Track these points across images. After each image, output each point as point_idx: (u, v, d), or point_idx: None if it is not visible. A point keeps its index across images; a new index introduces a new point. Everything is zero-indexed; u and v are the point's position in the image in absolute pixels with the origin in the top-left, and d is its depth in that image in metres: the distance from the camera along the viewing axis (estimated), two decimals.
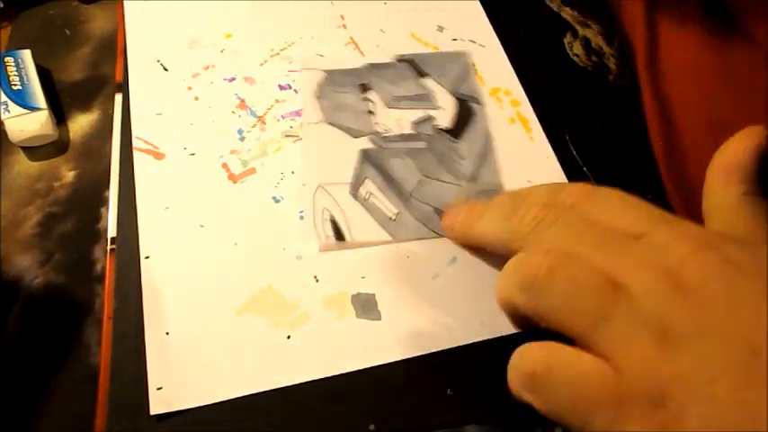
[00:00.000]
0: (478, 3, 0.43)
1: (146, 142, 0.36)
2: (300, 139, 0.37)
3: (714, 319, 0.20)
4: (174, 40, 0.41)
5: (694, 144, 0.28)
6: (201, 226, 0.33)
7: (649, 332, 0.20)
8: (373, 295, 0.31)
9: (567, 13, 0.40)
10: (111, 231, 0.34)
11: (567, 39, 0.41)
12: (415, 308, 0.30)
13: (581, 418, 0.20)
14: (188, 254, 0.32)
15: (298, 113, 0.38)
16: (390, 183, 0.34)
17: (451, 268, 0.31)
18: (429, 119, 0.37)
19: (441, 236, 0.32)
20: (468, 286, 0.31)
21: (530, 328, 0.24)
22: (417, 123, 0.37)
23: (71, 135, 0.39)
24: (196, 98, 0.39)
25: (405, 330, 0.30)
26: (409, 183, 0.34)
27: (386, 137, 0.36)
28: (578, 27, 0.40)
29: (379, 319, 0.30)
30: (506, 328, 0.26)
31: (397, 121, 0.37)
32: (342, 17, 0.43)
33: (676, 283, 0.20)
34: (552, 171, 0.35)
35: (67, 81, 0.41)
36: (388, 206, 0.33)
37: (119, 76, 0.40)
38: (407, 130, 0.36)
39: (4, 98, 0.38)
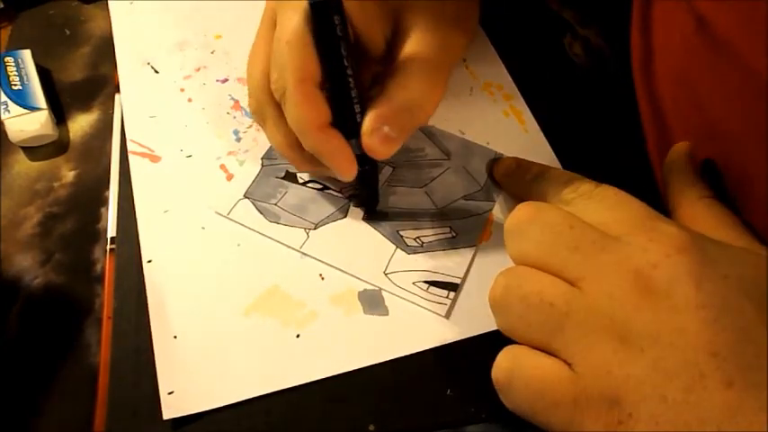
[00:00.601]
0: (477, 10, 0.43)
1: (141, 145, 0.36)
2: None
3: (676, 322, 0.20)
4: (163, 42, 0.42)
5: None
6: (203, 228, 0.33)
7: (608, 336, 0.21)
8: (380, 291, 0.31)
9: (567, 14, 0.40)
10: (111, 231, 0.34)
11: (567, 39, 0.41)
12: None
13: (542, 418, 0.22)
14: (191, 256, 0.32)
15: None
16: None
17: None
18: None
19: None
20: (473, 279, 0.31)
21: None
22: None
23: (71, 135, 0.39)
24: (189, 100, 0.39)
25: (413, 325, 0.30)
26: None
27: None
28: (578, 27, 0.40)
29: (387, 314, 0.30)
30: None
31: None
32: None
33: (643, 286, 0.21)
34: (547, 162, 0.35)
35: (67, 81, 0.41)
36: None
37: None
38: None
39: (4, 98, 0.38)
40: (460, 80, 0.39)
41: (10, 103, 0.37)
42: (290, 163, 0.34)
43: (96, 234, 0.34)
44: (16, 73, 0.39)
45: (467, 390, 0.28)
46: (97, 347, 0.30)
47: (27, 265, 0.33)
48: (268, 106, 0.31)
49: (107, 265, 0.33)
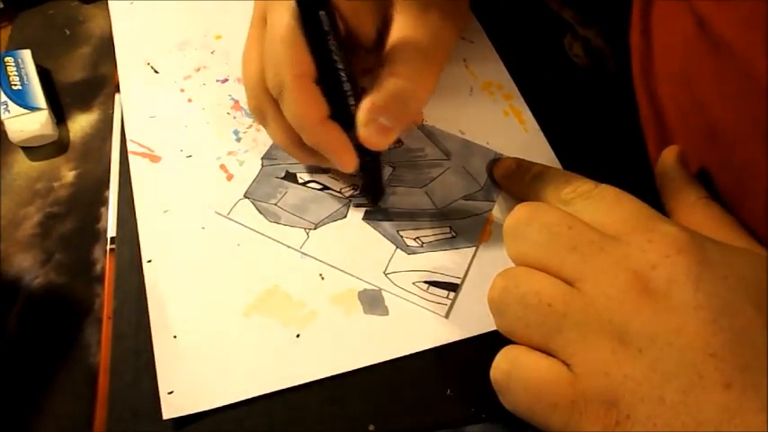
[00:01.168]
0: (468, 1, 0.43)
1: (141, 145, 0.36)
2: None
3: (674, 323, 0.20)
4: (163, 42, 0.42)
5: (688, 149, 0.29)
6: (203, 228, 0.33)
7: (606, 337, 0.21)
8: (380, 291, 0.31)
9: (567, 14, 0.40)
10: (111, 231, 0.34)
11: (567, 39, 0.41)
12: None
13: (540, 419, 0.22)
14: (191, 256, 0.32)
15: None
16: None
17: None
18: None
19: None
20: (473, 279, 0.31)
21: None
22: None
23: (71, 135, 0.39)
24: (189, 100, 0.39)
25: (413, 325, 0.30)
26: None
27: None
28: (578, 27, 0.40)
29: (387, 314, 0.30)
30: None
31: None
32: None
33: (642, 287, 0.21)
34: (547, 161, 0.35)
35: (67, 81, 0.41)
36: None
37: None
38: None
39: (4, 98, 0.38)
40: (460, 80, 0.39)
41: (10, 103, 0.37)
42: (293, 158, 0.34)
43: (96, 234, 0.34)
44: (16, 73, 0.39)
45: (467, 390, 0.28)
46: (97, 347, 0.30)
47: (27, 265, 0.33)
48: (267, 104, 0.31)
49: (107, 265, 0.33)
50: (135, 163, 0.36)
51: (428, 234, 0.33)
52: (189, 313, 0.30)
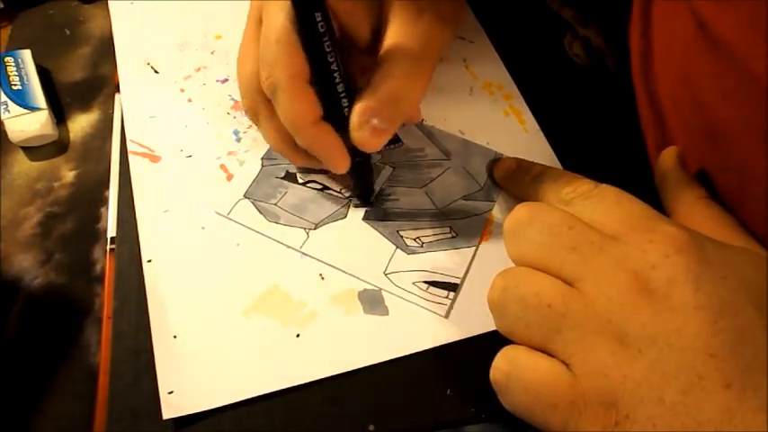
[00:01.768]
0: (464, 1, 0.43)
1: (141, 145, 0.36)
2: None
3: (674, 323, 0.20)
4: (163, 42, 0.42)
5: (688, 149, 0.29)
6: (203, 228, 0.33)
7: (606, 337, 0.21)
8: (380, 291, 0.31)
9: (567, 13, 0.40)
10: (111, 231, 0.34)
11: (567, 39, 0.41)
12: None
13: (539, 419, 0.22)
14: (190, 256, 0.32)
15: None
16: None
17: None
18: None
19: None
20: (473, 279, 0.31)
21: None
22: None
23: (71, 135, 0.39)
24: (189, 100, 0.39)
25: (413, 325, 0.30)
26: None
27: None
28: (578, 27, 0.40)
29: (387, 314, 0.30)
30: None
31: None
32: None
33: (642, 288, 0.21)
34: (547, 161, 0.35)
35: (67, 81, 0.41)
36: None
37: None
38: None
39: (4, 98, 0.38)
40: (460, 80, 0.39)
41: (10, 103, 0.37)
42: (284, 158, 0.34)
43: (96, 234, 0.34)
44: (16, 73, 0.39)
45: (467, 390, 0.28)
46: (97, 347, 0.30)
47: (27, 265, 0.33)
48: (260, 105, 0.31)
49: (107, 265, 0.33)
50: (135, 163, 0.36)
51: (428, 234, 0.33)
52: (189, 313, 0.30)
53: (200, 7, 0.44)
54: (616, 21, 0.36)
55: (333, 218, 0.33)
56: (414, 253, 0.32)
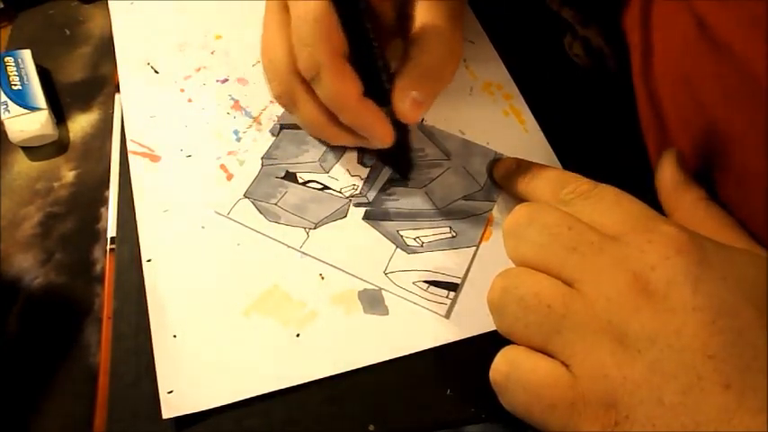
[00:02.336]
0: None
1: (141, 145, 0.36)
2: None
3: (673, 324, 0.20)
4: (163, 42, 0.42)
5: (688, 150, 0.29)
6: (203, 227, 0.33)
7: (606, 338, 0.21)
8: (380, 290, 0.31)
9: (567, 14, 0.40)
10: (111, 231, 0.34)
11: (567, 39, 0.41)
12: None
13: (539, 420, 0.22)
14: (190, 256, 0.32)
15: None
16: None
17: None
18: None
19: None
20: (473, 279, 0.31)
21: None
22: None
23: (71, 135, 0.39)
24: (189, 100, 0.39)
25: (413, 325, 0.30)
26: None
27: None
28: (578, 27, 0.40)
29: (387, 314, 0.30)
30: None
31: None
32: None
33: (641, 289, 0.21)
34: (547, 161, 0.35)
35: (67, 81, 0.41)
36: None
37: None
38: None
39: (4, 98, 0.38)
40: (460, 80, 0.39)
41: (10, 103, 0.37)
42: (324, 138, 0.34)
43: (96, 234, 0.34)
44: (16, 73, 0.39)
45: (467, 390, 0.28)
46: (97, 347, 0.30)
47: (27, 265, 0.33)
48: (297, 87, 0.31)
49: (107, 265, 0.33)
50: (135, 163, 0.36)
51: (428, 234, 0.33)
52: (189, 313, 0.30)
53: (200, 7, 0.44)
54: (616, 21, 0.36)
55: (333, 217, 0.33)
56: (414, 253, 0.32)
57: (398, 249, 0.32)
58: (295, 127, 0.37)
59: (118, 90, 0.40)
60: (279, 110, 0.38)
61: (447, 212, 0.33)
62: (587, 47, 0.39)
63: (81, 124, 0.39)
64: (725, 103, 0.26)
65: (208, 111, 0.38)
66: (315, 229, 0.33)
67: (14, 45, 0.43)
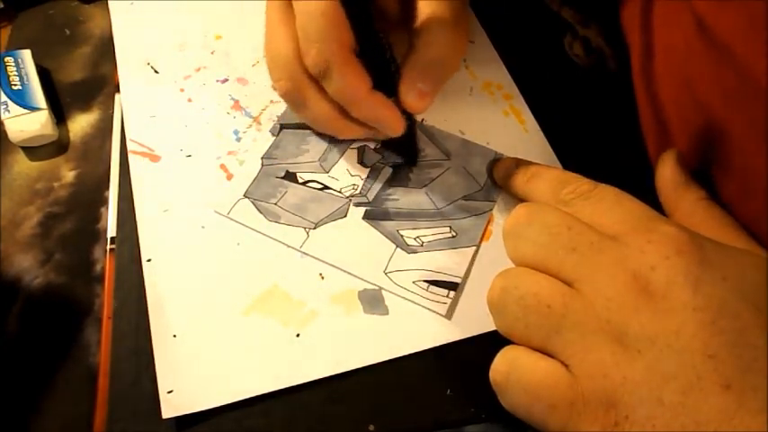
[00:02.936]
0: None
1: (141, 145, 0.36)
2: None
3: (673, 324, 0.20)
4: (163, 42, 0.42)
5: (688, 150, 0.29)
6: (203, 227, 0.33)
7: (605, 338, 0.21)
8: (380, 290, 0.31)
9: (567, 13, 0.40)
10: (111, 231, 0.34)
11: (567, 39, 0.41)
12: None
13: (538, 420, 0.22)
14: (190, 256, 0.32)
15: None
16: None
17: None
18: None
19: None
20: (474, 279, 0.31)
21: None
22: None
23: (71, 135, 0.39)
24: (189, 100, 0.39)
25: (413, 324, 0.30)
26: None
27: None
28: (578, 27, 0.40)
29: (387, 313, 0.30)
30: None
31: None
32: None
33: (641, 289, 0.21)
34: (547, 161, 0.35)
35: (67, 81, 0.41)
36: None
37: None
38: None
39: (4, 98, 0.38)
40: (460, 80, 0.39)
41: (10, 103, 0.37)
42: (332, 133, 0.34)
43: (96, 234, 0.34)
44: (16, 73, 0.39)
45: (467, 390, 0.28)
46: (97, 347, 0.30)
47: (27, 265, 0.33)
48: (306, 83, 0.31)
49: (107, 265, 0.33)
50: (135, 163, 0.36)
51: (428, 234, 0.33)
52: (189, 313, 0.30)
53: (200, 7, 0.44)
54: (616, 21, 0.36)
55: (333, 217, 0.33)
56: (414, 252, 0.32)
57: (398, 249, 0.32)
58: (295, 127, 0.37)
59: (118, 90, 0.40)
60: (279, 110, 0.38)
61: (447, 212, 0.33)
62: (587, 47, 0.39)
63: (81, 124, 0.39)
64: (725, 103, 0.26)
65: (208, 111, 0.38)
66: (315, 228, 0.33)
67: (14, 45, 0.43)
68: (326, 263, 0.32)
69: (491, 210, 0.33)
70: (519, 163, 0.32)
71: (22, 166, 0.37)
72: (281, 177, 0.35)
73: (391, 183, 0.35)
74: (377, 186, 0.34)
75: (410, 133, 0.34)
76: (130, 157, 0.36)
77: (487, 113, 0.37)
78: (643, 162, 0.33)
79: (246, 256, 0.32)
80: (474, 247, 0.32)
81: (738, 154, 0.26)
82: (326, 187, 0.34)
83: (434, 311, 0.30)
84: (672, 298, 0.21)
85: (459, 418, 0.28)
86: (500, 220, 0.33)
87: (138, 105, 0.38)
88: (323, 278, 0.31)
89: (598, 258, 0.22)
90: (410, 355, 0.29)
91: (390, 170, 0.35)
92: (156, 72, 0.40)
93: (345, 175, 0.35)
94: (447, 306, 0.30)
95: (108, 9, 0.44)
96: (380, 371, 0.29)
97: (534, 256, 0.24)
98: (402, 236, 0.32)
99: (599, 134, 0.36)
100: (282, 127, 0.37)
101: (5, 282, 0.32)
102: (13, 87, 0.38)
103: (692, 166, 0.28)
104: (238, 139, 0.37)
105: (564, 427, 0.21)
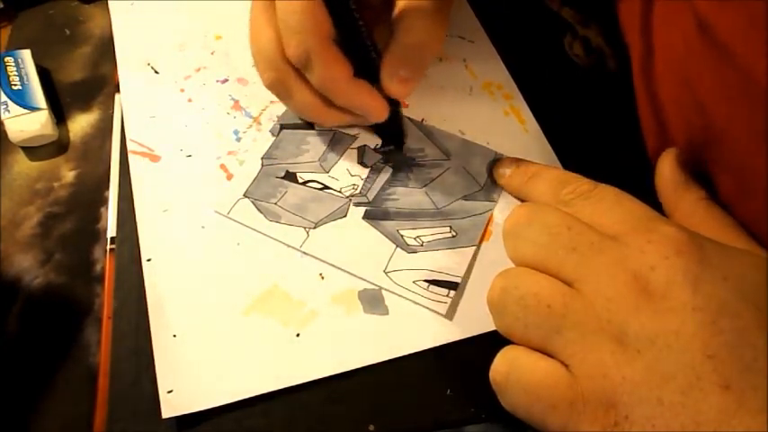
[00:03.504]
0: (465, 0, 0.43)
1: (141, 145, 0.36)
2: None
3: (672, 324, 0.20)
4: (163, 43, 0.42)
5: (688, 150, 0.29)
6: (203, 227, 0.33)
7: (605, 338, 0.21)
8: (380, 290, 0.31)
9: (567, 13, 0.40)
10: (111, 231, 0.34)
11: (567, 39, 0.41)
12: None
13: (538, 420, 0.22)
14: (190, 256, 0.32)
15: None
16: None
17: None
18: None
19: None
20: (474, 279, 0.31)
21: None
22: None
23: (71, 135, 0.39)
24: (189, 100, 0.39)
25: (413, 324, 0.30)
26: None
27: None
28: (578, 27, 0.40)
29: (387, 313, 0.30)
30: None
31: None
32: None
33: (641, 289, 0.21)
34: (547, 161, 0.35)
35: (67, 81, 0.41)
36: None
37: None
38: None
39: (4, 98, 0.38)
40: (460, 80, 0.39)
41: (10, 103, 0.37)
42: (319, 122, 0.35)
43: (96, 234, 0.34)
44: (16, 73, 0.39)
45: (467, 390, 0.28)
46: (97, 347, 0.30)
47: (27, 265, 0.33)
48: (289, 74, 0.31)
49: (107, 265, 0.33)
50: (135, 163, 0.36)
51: (428, 234, 0.33)
52: (189, 313, 0.30)
53: (200, 7, 0.44)
54: (616, 21, 0.36)
55: (333, 217, 0.33)
56: (414, 252, 0.32)
57: (398, 249, 0.32)
58: (295, 127, 0.37)
59: (118, 90, 0.40)
60: (279, 110, 0.38)
61: (447, 212, 0.33)
62: (587, 47, 0.39)
63: (81, 124, 0.39)
64: (725, 103, 0.26)
65: (208, 111, 0.38)
66: (315, 228, 0.33)
67: (14, 45, 0.43)
68: (327, 262, 0.32)
69: (491, 210, 0.33)
70: (519, 163, 0.32)
71: (22, 166, 0.37)
72: (282, 177, 0.35)
73: (391, 183, 0.35)
74: (377, 186, 0.34)
75: (395, 118, 0.34)
76: (130, 157, 0.36)
77: (487, 113, 0.37)
78: (643, 162, 0.33)
79: (246, 255, 0.32)
80: (474, 247, 0.32)
81: (738, 154, 0.26)
82: (326, 187, 0.34)
83: (435, 311, 0.30)
84: (672, 298, 0.21)
85: (460, 418, 0.28)
86: (500, 220, 0.33)
87: (138, 105, 0.38)
88: (323, 278, 0.31)
89: (598, 258, 0.22)
90: (410, 355, 0.29)
91: (390, 170, 0.35)
92: (156, 72, 0.40)
93: (345, 175, 0.35)
94: (447, 306, 0.30)
95: (108, 9, 0.44)
96: (380, 371, 0.29)
97: (534, 256, 0.24)
98: (402, 236, 0.32)
99: (599, 134, 0.36)
100: (282, 127, 0.37)
101: (5, 282, 0.32)
102: (13, 87, 0.38)
103: (692, 166, 0.28)
104: (238, 139, 0.37)
105: (564, 427, 0.21)
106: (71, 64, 0.42)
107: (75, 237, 0.34)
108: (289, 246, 0.32)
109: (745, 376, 0.19)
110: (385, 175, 0.35)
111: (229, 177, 0.35)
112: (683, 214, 0.27)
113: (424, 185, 0.34)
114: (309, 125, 0.37)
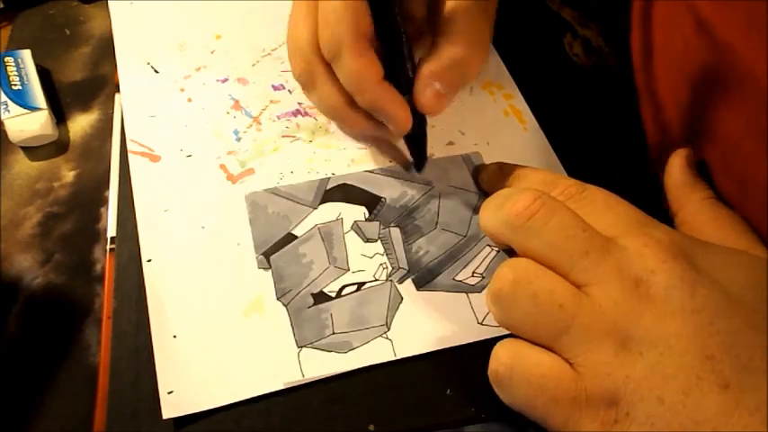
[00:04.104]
0: None
1: (140, 145, 0.36)
2: (298, 139, 0.37)
3: (673, 327, 0.21)
4: (163, 42, 0.42)
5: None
6: (203, 227, 0.33)
7: (610, 339, 0.21)
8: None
9: (567, 13, 0.40)
10: (111, 231, 0.34)
11: (567, 39, 0.41)
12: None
13: (540, 414, 0.22)
14: (190, 256, 0.32)
15: (293, 114, 0.38)
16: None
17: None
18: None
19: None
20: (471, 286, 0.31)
21: None
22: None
23: (71, 135, 0.39)
24: (189, 100, 0.39)
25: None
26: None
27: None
28: (578, 27, 0.40)
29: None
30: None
31: None
32: None
33: (643, 293, 0.21)
34: (548, 161, 0.35)
35: (67, 81, 0.41)
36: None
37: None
38: None
39: (4, 98, 0.38)
40: None
41: (10, 103, 0.37)
42: (339, 123, 0.34)
43: (96, 234, 0.34)
44: (16, 73, 0.39)
45: (467, 390, 0.28)
46: (97, 347, 0.30)
47: (27, 265, 0.33)
48: (318, 66, 0.31)
49: (107, 265, 0.33)
50: (135, 162, 0.36)
51: (478, 263, 0.31)
52: (189, 313, 0.30)
53: (200, 7, 0.44)
54: (616, 21, 0.36)
55: (393, 307, 0.30)
56: (484, 287, 0.30)
57: (471, 294, 0.30)
58: (275, 249, 0.32)
59: (118, 90, 0.40)
60: (279, 110, 0.38)
61: (475, 233, 0.32)
62: (587, 47, 0.39)
63: (81, 124, 0.39)
64: (725, 102, 0.26)
65: (208, 110, 0.38)
66: (390, 329, 0.29)
67: (14, 45, 0.43)
68: (435, 350, 0.29)
69: None
70: (502, 167, 0.32)
71: (22, 166, 0.37)
72: (313, 305, 0.31)
73: (408, 240, 0.33)
74: (401, 252, 0.32)
75: (420, 135, 0.32)
76: (130, 157, 0.36)
77: (487, 113, 0.37)
78: (643, 162, 0.33)
79: (246, 256, 0.32)
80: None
81: (738, 153, 0.26)
82: (362, 284, 0.31)
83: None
84: (672, 302, 0.21)
85: (460, 418, 0.28)
86: None
87: (138, 105, 0.38)
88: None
89: (606, 262, 0.22)
90: (410, 355, 0.29)
91: (397, 229, 0.33)
92: (156, 72, 0.40)
93: (364, 260, 0.32)
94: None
95: (108, 9, 0.44)
96: (380, 371, 0.29)
97: (547, 255, 0.23)
98: (461, 281, 0.31)
99: (599, 134, 0.36)
100: (265, 255, 0.32)
101: (5, 282, 0.32)
102: (13, 87, 0.38)
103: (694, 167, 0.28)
104: (238, 139, 0.37)
105: (564, 423, 0.21)
106: (71, 64, 0.42)
107: (75, 237, 0.34)
108: (396, 354, 0.29)
109: (743, 375, 0.19)
110: (398, 237, 0.33)
111: (229, 177, 0.35)
112: (689, 213, 0.27)
113: (436, 224, 0.33)
114: (286, 197, 0.34)
